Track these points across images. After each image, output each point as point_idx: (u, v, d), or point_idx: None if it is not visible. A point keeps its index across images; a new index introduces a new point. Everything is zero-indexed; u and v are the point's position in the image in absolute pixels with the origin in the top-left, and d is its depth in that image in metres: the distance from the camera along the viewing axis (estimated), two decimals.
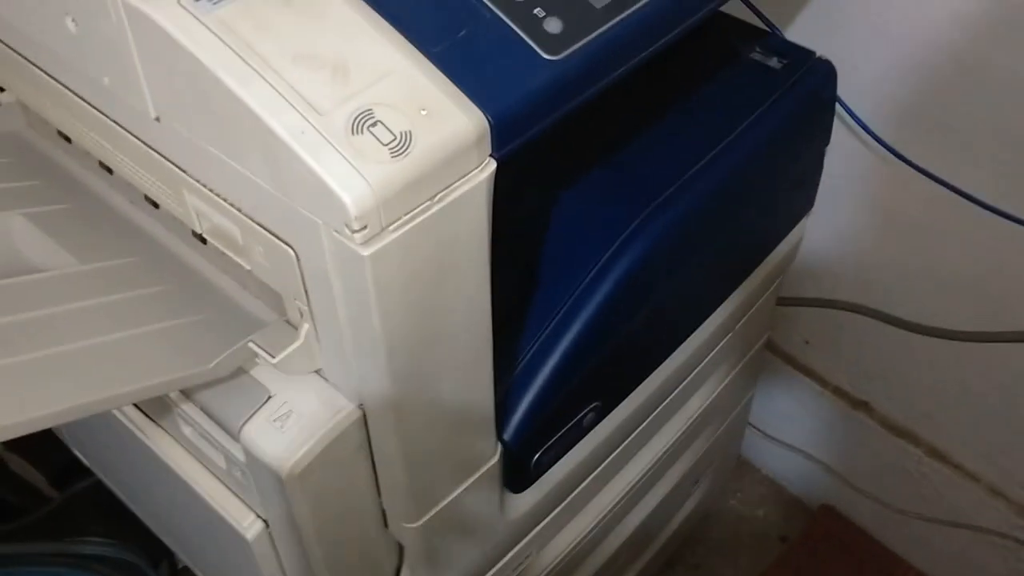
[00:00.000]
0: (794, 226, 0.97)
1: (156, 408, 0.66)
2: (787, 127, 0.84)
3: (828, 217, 1.04)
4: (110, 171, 0.65)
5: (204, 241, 0.60)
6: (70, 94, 0.60)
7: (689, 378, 0.93)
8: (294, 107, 0.45)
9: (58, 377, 0.52)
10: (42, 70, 0.61)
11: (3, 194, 0.65)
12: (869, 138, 0.94)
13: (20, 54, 0.62)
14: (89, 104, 0.59)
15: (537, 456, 0.72)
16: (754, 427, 1.33)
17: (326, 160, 0.44)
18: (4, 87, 0.71)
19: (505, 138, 0.49)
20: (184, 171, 0.55)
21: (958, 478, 1.14)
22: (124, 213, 0.67)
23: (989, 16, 0.82)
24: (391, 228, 0.46)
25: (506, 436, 0.68)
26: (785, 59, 0.86)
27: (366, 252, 0.46)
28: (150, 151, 0.57)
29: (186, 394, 0.60)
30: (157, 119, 0.53)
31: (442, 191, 0.48)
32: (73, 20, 0.53)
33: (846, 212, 1.04)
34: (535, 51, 0.51)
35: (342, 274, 0.49)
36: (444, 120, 0.47)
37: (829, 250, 1.09)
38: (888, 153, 0.94)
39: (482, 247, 0.53)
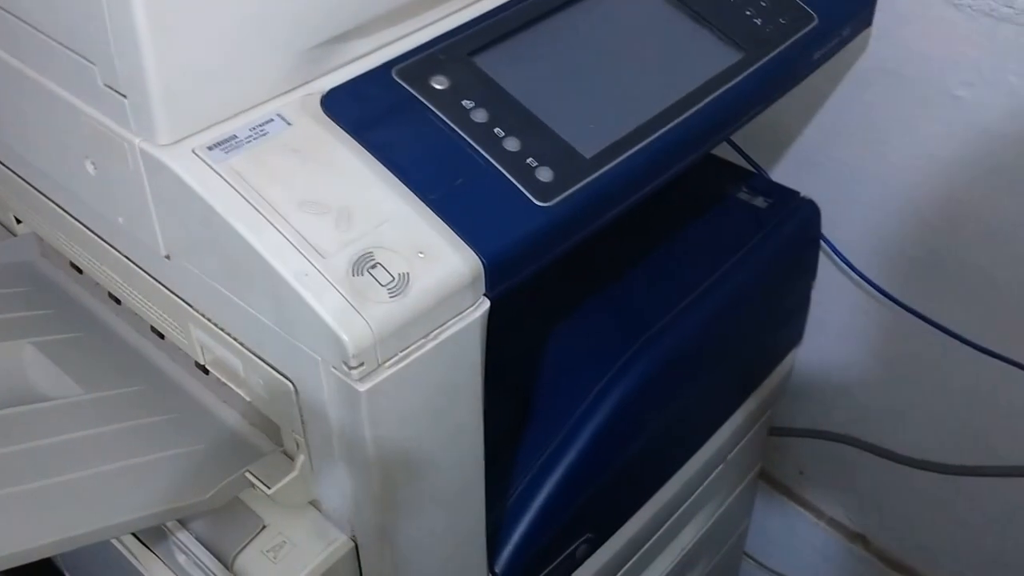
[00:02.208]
0: (783, 358, 0.99)
1: (151, 535, 0.67)
2: (773, 264, 0.87)
3: (819, 349, 1.06)
4: (118, 302, 0.68)
5: (206, 372, 0.62)
6: (85, 230, 0.63)
7: (682, 509, 0.94)
8: (299, 251, 0.48)
9: (59, 507, 0.54)
10: (59, 206, 0.64)
11: (16, 323, 0.67)
12: (855, 274, 0.97)
13: (39, 191, 0.65)
14: (102, 240, 0.62)
15: None
16: (750, 557, 1.32)
17: (327, 301, 0.47)
18: (21, 219, 0.74)
19: (499, 279, 0.52)
20: (190, 305, 0.58)
21: None
22: (130, 343, 0.69)
23: (962, 160, 0.86)
24: (387, 364, 0.48)
25: (498, 568, 0.68)
26: (771, 199, 0.90)
27: (363, 388, 0.48)
28: (159, 286, 0.59)
29: (182, 522, 0.61)
30: (167, 257, 0.55)
31: (437, 329, 0.50)
32: (92, 163, 0.56)
33: (835, 345, 1.06)
34: (528, 198, 0.54)
35: (339, 408, 0.50)
36: (440, 262, 0.50)
37: (821, 381, 1.10)
38: (873, 289, 0.96)
39: (475, 381, 0.55)
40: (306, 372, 0.51)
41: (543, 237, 0.54)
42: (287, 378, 0.53)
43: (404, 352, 0.49)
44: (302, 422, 0.55)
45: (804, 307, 0.98)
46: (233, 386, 0.59)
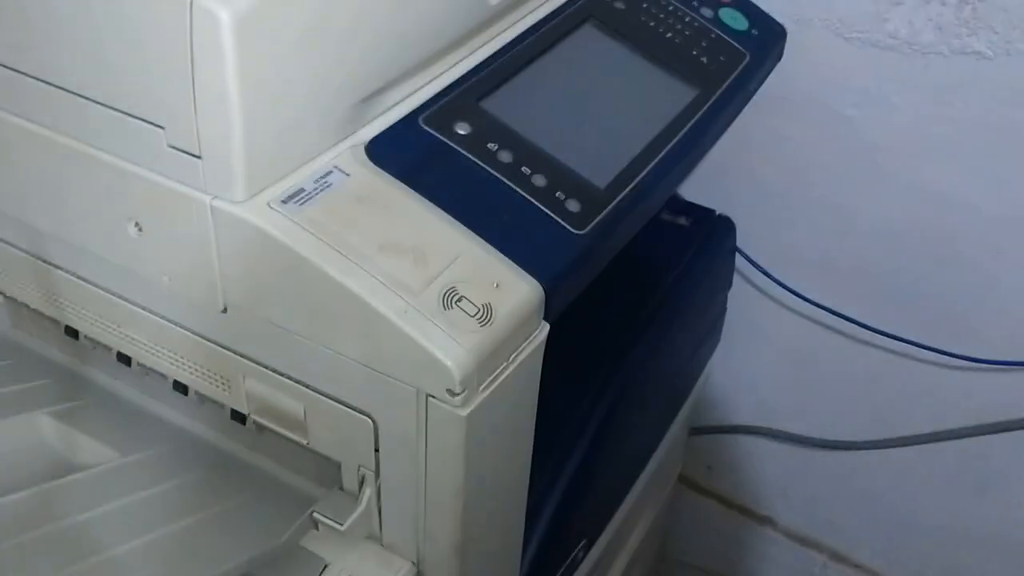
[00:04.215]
0: (707, 363, 1.08)
1: None
2: (702, 282, 0.96)
3: (725, 348, 1.16)
4: (128, 363, 0.67)
5: (243, 422, 0.63)
6: (103, 293, 0.62)
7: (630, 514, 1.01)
8: (392, 290, 0.51)
9: (139, 573, 0.53)
10: (70, 272, 0.63)
11: (18, 395, 0.65)
12: (758, 274, 1.08)
13: (41, 258, 0.64)
14: (127, 301, 0.62)
15: None
16: (669, 554, 1.41)
17: (430, 334, 0.50)
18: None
19: (554, 304, 0.57)
20: (244, 356, 0.59)
21: None
22: (139, 403, 0.68)
23: (852, 170, 0.98)
24: (481, 389, 0.52)
25: None
26: (691, 217, 0.99)
27: (464, 413, 0.51)
28: (202, 341, 0.60)
29: None
30: (224, 310, 0.57)
31: (515, 352, 0.54)
32: (137, 225, 0.56)
33: (741, 342, 1.16)
34: (566, 228, 0.59)
35: (433, 436, 0.53)
36: (513, 291, 0.54)
37: (730, 378, 1.21)
38: (776, 285, 1.07)
39: (534, 401, 0.59)
40: (391, 405, 0.54)
41: (584, 262, 0.59)
42: (365, 414, 0.56)
43: (492, 376, 0.53)
44: (376, 456, 0.57)
45: (722, 314, 1.08)
46: (285, 431, 0.60)
